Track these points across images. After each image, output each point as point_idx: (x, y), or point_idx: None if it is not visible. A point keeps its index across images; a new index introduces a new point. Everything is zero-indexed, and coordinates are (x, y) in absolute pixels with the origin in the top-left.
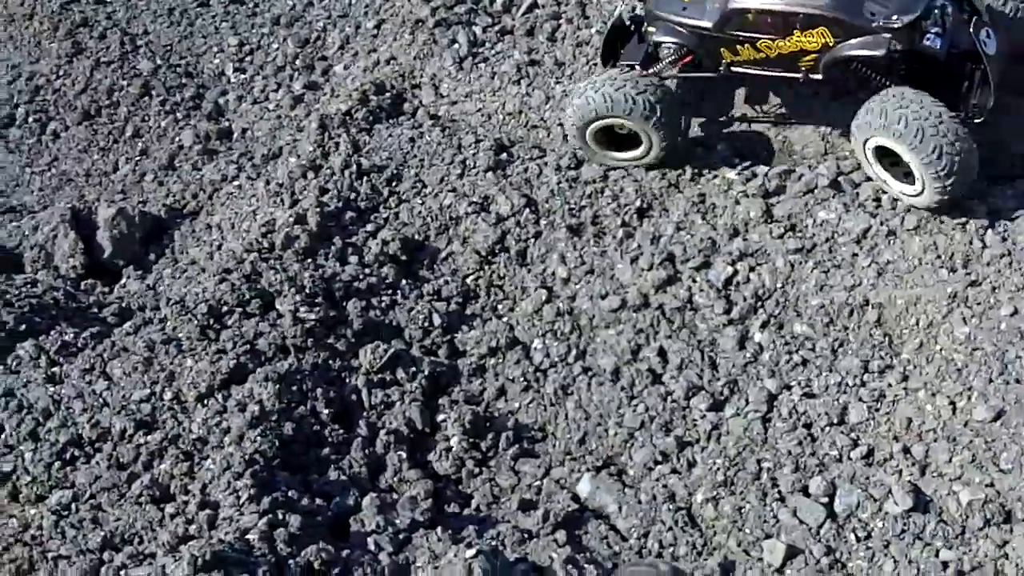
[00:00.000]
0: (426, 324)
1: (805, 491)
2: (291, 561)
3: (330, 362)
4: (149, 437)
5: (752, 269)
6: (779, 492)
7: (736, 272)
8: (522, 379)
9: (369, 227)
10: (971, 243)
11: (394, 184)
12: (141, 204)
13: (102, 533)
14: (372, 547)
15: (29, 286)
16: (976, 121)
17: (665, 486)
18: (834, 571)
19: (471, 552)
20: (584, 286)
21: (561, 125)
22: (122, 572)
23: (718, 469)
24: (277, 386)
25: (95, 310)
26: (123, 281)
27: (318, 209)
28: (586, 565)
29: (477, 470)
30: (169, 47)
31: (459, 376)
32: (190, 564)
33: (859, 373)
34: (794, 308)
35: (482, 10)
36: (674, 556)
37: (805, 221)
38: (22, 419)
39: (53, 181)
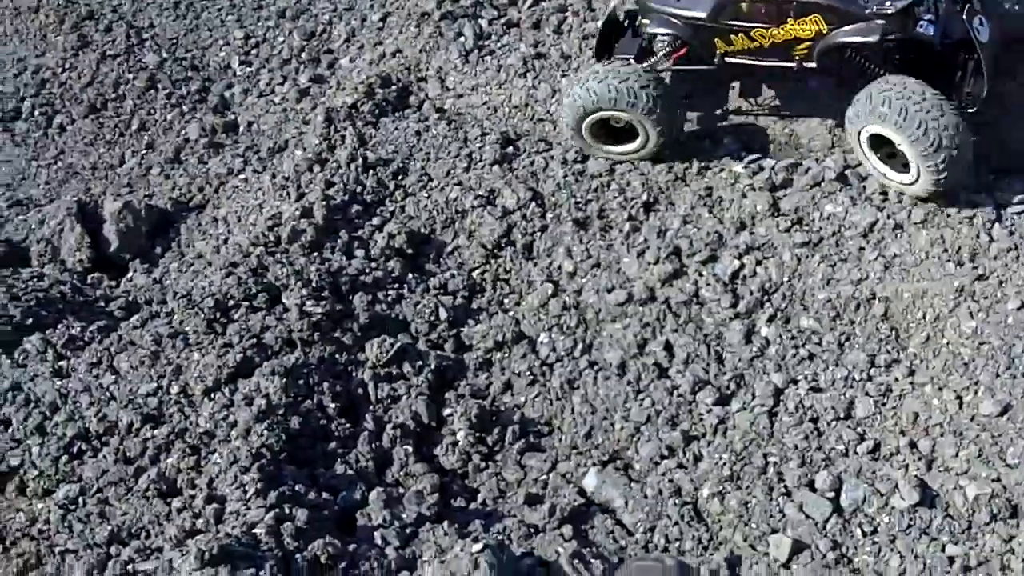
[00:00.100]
0: (432, 318)
1: (811, 486)
2: (298, 555)
3: (336, 356)
4: (156, 431)
5: (759, 263)
6: (785, 487)
7: (743, 266)
8: (528, 373)
9: (375, 220)
10: (978, 237)
11: (400, 177)
12: (147, 197)
13: (109, 527)
14: (379, 541)
15: (36, 280)
16: (970, 110)
17: (671, 480)
18: (840, 566)
19: (477, 546)
20: (590, 280)
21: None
22: (129, 566)
23: (724, 463)
24: (284, 380)
25: (102, 304)
26: (129, 275)
27: (324, 202)
28: (592, 559)
29: (483, 464)
30: (175, 40)
31: (465, 370)
32: (197, 558)
33: (865, 367)
34: (801, 302)
35: (488, 3)
36: (680, 550)
37: (812, 215)
38: (29, 413)
39: (59, 174)
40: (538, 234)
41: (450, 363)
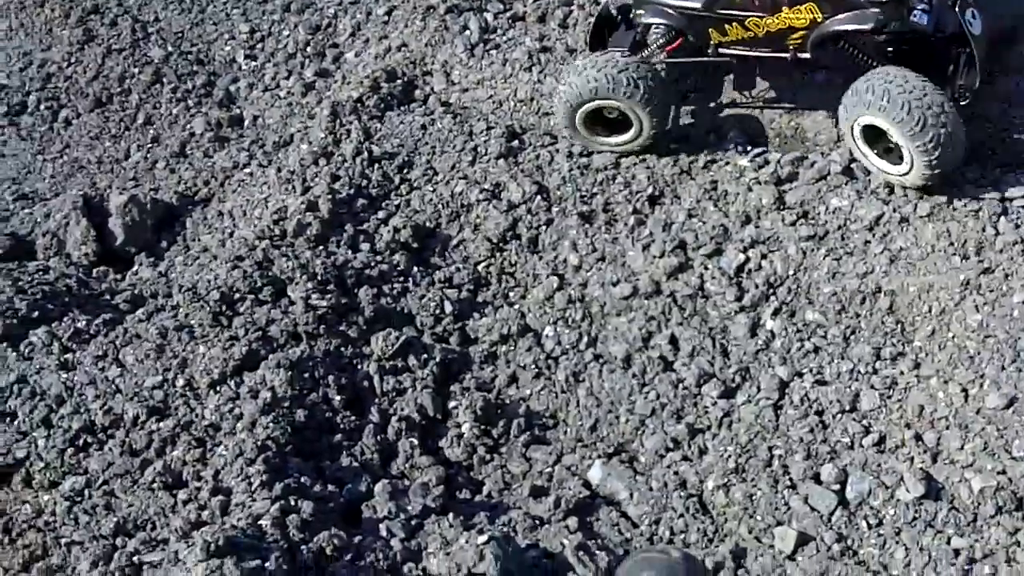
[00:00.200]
0: (437, 311)
1: (817, 478)
2: (303, 547)
3: (342, 349)
4: (162, 424)
5: (764, 256)
6: (790, 479)
7: (748, 259)
8: (533, 366)
9: (380, 214)
10: (984, 230)
11: (405, 171)
12: (153, 191)
13: (115, 519)
14: (384, 533)
15: (41, 273)
16: (963, 102)
17: (676, 473)
18: (845, 558)
19: (483, 538)
20: (595, 273)
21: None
22: (135, 558)
23: (729, 456)
24: (289, 373)
25: (107, 297)
26: (135, 268)
27: (329, 196)
28: (597, 551)
29: (488, 457)
30: (180, 34)
31: (470, 363)
32: (203, 550)
33: (871, 360)
34: (806, 295)
35: None
36: (685, 543)
37: (817, 208)
38: (35, 405)
39: (65, 168)
40: (543, 228)
41: (455, 356)
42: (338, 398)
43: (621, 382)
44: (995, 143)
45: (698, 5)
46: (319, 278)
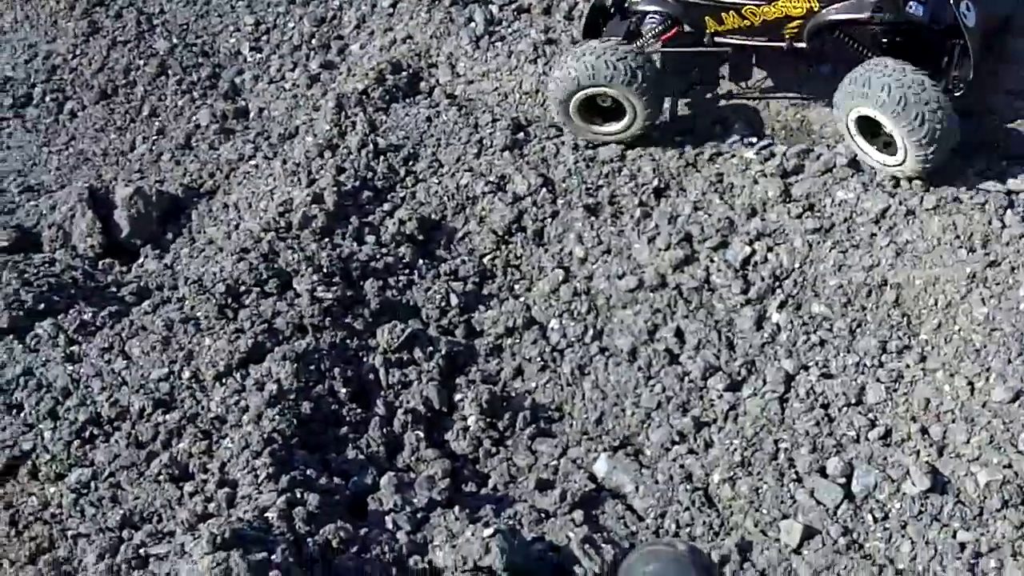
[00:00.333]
0: (443, 304)
1: (822, 472)
2: (309, 539)
3: (347, 341)
4: (168, 416)
5: (770, 249)
6: (796, 473)
7: (754, 252)
8: (539, 359)
9: (386, 206)
10: (990, 223)
11: (411, 163)
12: (158, 183)
13: (121, 511)
14: (390, 526)
15: (47, 265)
16: (957, 93)
17: (682, 466)
18: (851, 551)
19: (488, 531)
20: (601, 266)
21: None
22: (141, 550)
23: (735, 449)
24: (295, 365)
25: (113, 289)
26: (141, 260)
27: (335, 188)
28: (603, 544)
29: (494, 450)
30: (185, 26)
31: (476, 356)
32: (209, 542)
33: (877, 354)
34: (812, 288)
35: None
36: (691, 536)
37: (823, 201)
38: (41, 398)
39: (70, 160)
40: (549, 220)
41: (461, 349)
42: (344, 391)
43: (627, 375)
44: (1001, 136)
45: None
46: (325, 270)
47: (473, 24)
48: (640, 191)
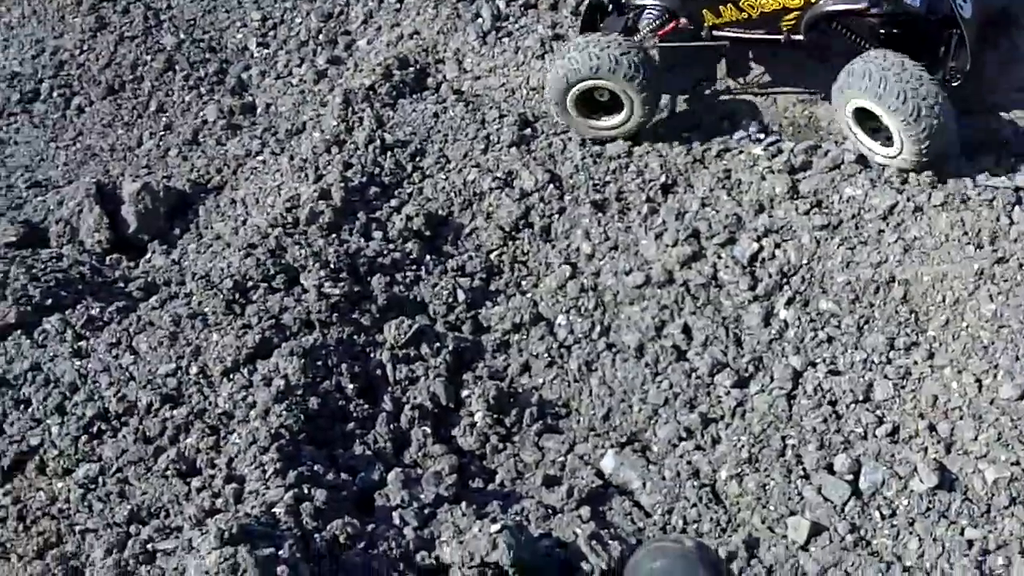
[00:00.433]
0: (450, 300)
1: (830, 468)
2: (317, 535)
3: (355, 337)
4: (175, 411)
5: (778, 245)
6: (804, 469)
7: (761, 248)
8: (546, 355)
9: (393, 202)
10: (998, 220)
11: (418, 159)
12: (166, 179)
13: (129, 506)
14: (397, 521)
15: (55, 260)
16: (954, 84)
17: (689, 463)
18: (859, 548)
19: (496, 527)
20: (608, 262)
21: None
22: (149, 545)
23: (743, 446)
24: (302, 361)
25: (121, 284)
26: (148, 256)
27: (342, 184)
28: (610, 541)
29: (501, 446)
30: (192, 22)
31: (483, 352)
32: (216, 537)
33: (885, 350)
34: (820, 285)
35: None
36: (698, 532)
37: (831, 197)
38: (49, 393)
39: (78, 156)
40: (556, 216)
41: (468, 345)
42: (351, 386)
43: (634, 371)
44: (1009, 133)
45: None
46: (332, 266)
47: (480, 20)
48: (647, 187)
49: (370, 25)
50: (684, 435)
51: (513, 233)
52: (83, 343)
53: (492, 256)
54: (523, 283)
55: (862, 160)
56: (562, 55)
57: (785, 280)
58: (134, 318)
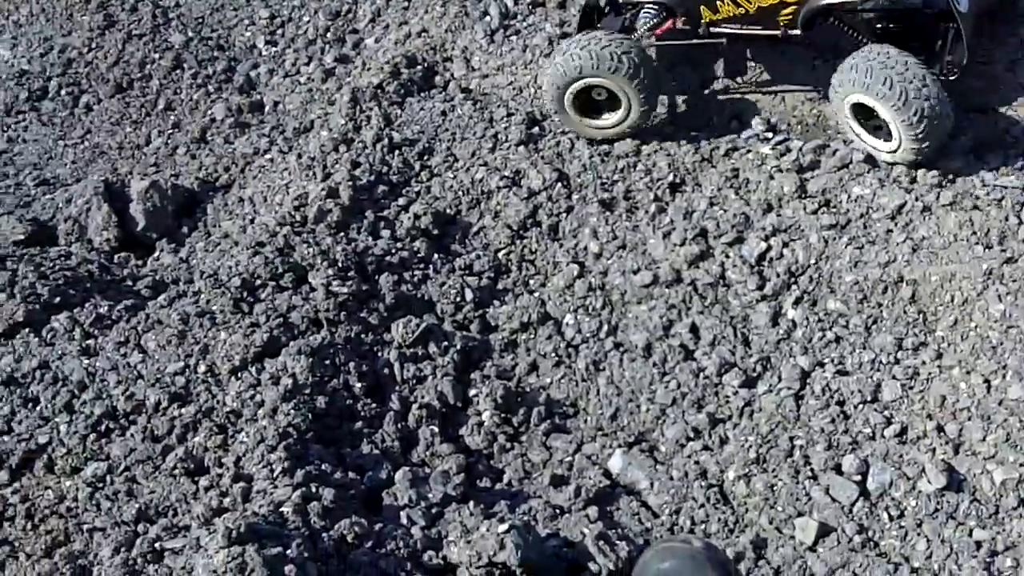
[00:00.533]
0: (458, 299)
1: (838, 469)
2: (324, 534)
3: (362, 336)
4: (183, 410)
5: (786, 245)
6: (812, 470)
7: (769, 248)
8: (554, 354)
9: (401, 201)
10: (1007, 219)
11: (426, 158)
12: (174, 177)
13: (137, 505)
14: (405, 521)
15: (63, 259)
16: (951, 78)
17: (697, 463)
18: (867, 549)
19: (503, 527)
20: (616, 261)
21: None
22: (157, 544)
23: (750, 446)
24: (310, 359)
25: (129, 283)
26: (156, 254)
27: (350, 183)
28: (618, 541)
29: (509, 445)
30: (200, 20)
31: (491, 351)
32: (224, 536)
33: (893, 350)
34: (828, 284)
35: None
36: (706, 533)
37: (839, 196)
38: (57, 391)
39: (86, 154)
40: (564, 215)
41: (476, 344)
42: (359, 385)
43: (642, 371)
44: (1018, 131)
45: None
46: (340, 265)
47: (488, 18)
48: (655, 186)
49: (378, 23)
50: (692, 435)
51: (521, 232)
52: (91, 341)
53: (500, 255)
54: (531, 282)
55: (871, 160)
56: (560, 52)
57: (793, 280)
58: (142, 316)
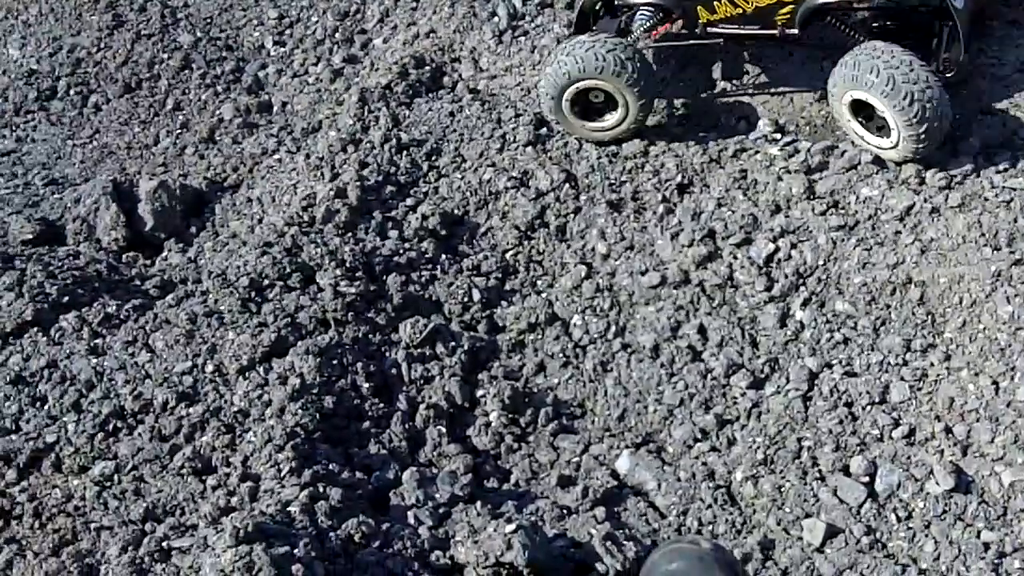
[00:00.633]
0: (465, 299)
1: (846, 470)
2: (332, 533)
3: (370, 336)
4: (191, 409)
5: (794, 246)
6: (819, 471)
7: (777, 249)
8: (561, 355)
9: (409, 201)
10: (1015, 221)
11: (433, 158)
12: (182, 177)
13: (144, 504)
14: (412, 521)
15: (71, 258)
16: (948, 75)
17: (704, 464)
18: (874, 551)
19: (510, 527)
20: (624, 262)
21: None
22: (164, 543)
23: (758, 447)
24: (318, 359)
25: (137, 282)
26: (164, 254)
27: (358, 183)
28: (625, 541)
29: (516, 445)
30: (209, 20)
31: (498, 351)
32: (232, 535)
33: (901, 352)
34: (836, 286)
35: None
36: (713, 534)
37: (848, 198)
38: (65, 390)
39: (94, 154)
40: (572, 216)
41: (483, 344)
42: (366, 385)
43: (649, 372)
44: None
45: None
46: (347, 265)
47: (496, 19)
48: (663, 187)
49: (386, 24)
50: (699, 436)
51: (528, 233)
52: (99, 341)
53: (507, 256)
54: (538, 283)
55: (879, 161)
56: (550, 60)
57: (801, 281)
58: (150, 316)
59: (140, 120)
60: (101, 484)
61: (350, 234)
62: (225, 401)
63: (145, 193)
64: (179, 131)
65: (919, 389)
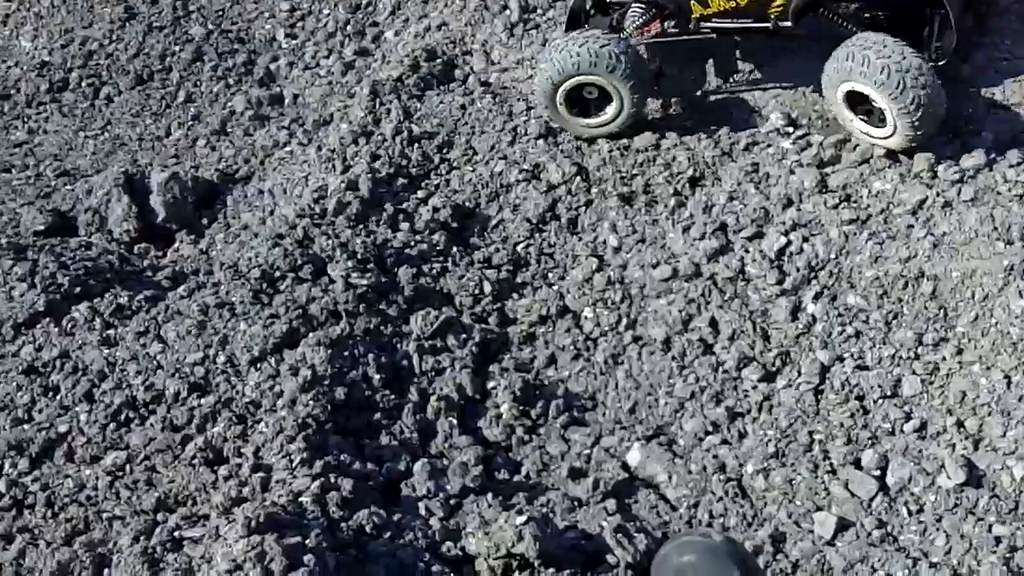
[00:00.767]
0: (476, 291)
1: (857, 464)
2: (343, 524)
3: (381, 328)
4: (203, 400)
5: (806, 240)
6: (831, 464)
7: (789, 242)
8: (572, 347)
9: (420, 194)
10: None
11: (445, 151)
12: (194, 169)
13: (156, 494)
14: (423, 512)
15: (83, 249)
16: (940, 63)
17: (715, 456)
18: (885, 544)
19: (521, 518)
20: (635, 255)
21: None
22: (176, 533)
23: (769, 440)
24: (329, 351)
25: (149, 274)
26: (176, 245)
27: (369, 175)
28: (636, 534)
29: (527, 437)
30: (221, 12)
31: (509, 344)
32: (244, 526)
33: (913, 346)
34: (848, 279)
35: None
36: (724, 526)
37: (860, 191)
38: (77, 380)
39: (106, 145)
40: (583, 209)
41: (494, 336)
42: (377, 377)
43: (660, 364)
44: None
45: None
46: (359, 257)
47: (508, 12)
48: (675, 180)
49: (398, 16)
50: (710, 429)
51: (540, 225)
52: (111, 331)
53: (519, 248)
54: (550, 275)
55: (891, 155)
56: (543, 58)
57: (813, 274)
58: (162, 307)
59: (152, 112)
60: (113, 474)
61: (361, 226)
62: (237, 392)
63: (157, 185)
64: (191, 123)
65: (931, 383)
